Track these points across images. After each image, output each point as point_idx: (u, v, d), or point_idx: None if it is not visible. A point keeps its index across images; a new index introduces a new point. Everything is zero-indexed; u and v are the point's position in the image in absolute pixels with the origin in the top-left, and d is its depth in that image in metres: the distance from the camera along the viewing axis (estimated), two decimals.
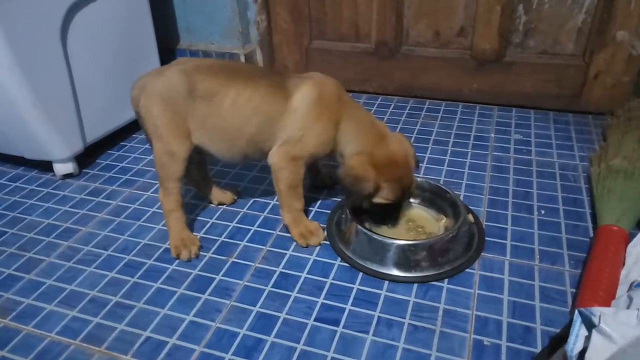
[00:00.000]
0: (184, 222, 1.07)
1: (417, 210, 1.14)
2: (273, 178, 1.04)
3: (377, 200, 1.02)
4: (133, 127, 1.58)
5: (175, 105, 0.97)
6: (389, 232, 1.06)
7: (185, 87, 0.97)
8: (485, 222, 1.11)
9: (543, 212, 1.14)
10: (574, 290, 0.92)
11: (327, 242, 1.07)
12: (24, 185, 1.34)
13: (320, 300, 0.93)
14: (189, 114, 0.99)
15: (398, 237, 0.99)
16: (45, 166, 1.38)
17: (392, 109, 1.68)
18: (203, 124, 1.00)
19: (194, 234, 1.10)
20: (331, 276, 0.98)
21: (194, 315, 0.90)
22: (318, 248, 1.06)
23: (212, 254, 1.06)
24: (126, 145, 1.52)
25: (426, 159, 1.37)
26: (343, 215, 1.09)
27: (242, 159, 1.07)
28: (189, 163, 1.04)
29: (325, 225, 1.11)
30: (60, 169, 1.34)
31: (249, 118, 0.99)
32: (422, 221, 1.11)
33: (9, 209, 1.24)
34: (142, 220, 1.17)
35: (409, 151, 1.03)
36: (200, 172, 1.17)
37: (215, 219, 1.16)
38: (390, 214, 1.08)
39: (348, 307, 0.91)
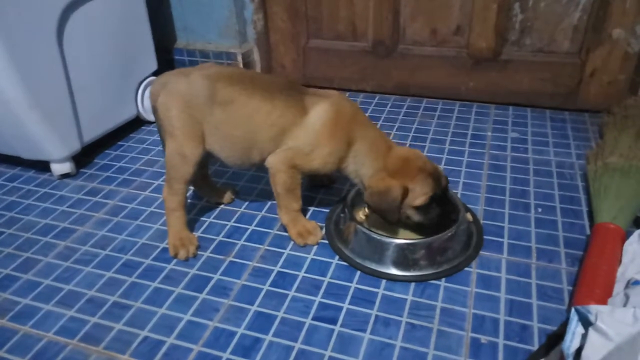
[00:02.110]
0: (184, 221, 1.07)
1: None
2: (270, 180, 1.04)
3: (418, 202, 0.97)
4: (130, 126, 1.58)
5: (194, 109, 0.98)
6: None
7: (207, 93, 0.97)
8: (483, 220, 1.11)
9: (540, 210, 1.14)
10: (570, 288, 0.93)
11: (325, 241, 1.07)
12: (21, 186, 1.34)
13: (318, 299, 0.93)
14: (205, 119, 0.99)
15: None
16: (43, 166, 1.38)
17: (390, 107, 1.68)
18: (217, 131, 1.00)
19: (192, 233, 1.10)
20: (329, 275, 0.98)
21: (191, 315, 0.90)
22: (315, 247, 1.06)
23: (210, 253, 1.06)
24: (123, 145, 1.52)
25: None
26: (342, 215, 1.09)
27: (249, 167, 1.07)
28: (199, 167, 1.04)
29: (323, 225, 1.11)
30: (58, 168, 1.34)
31: (264, 129, 0.99)
32: None
33: (6, 209, 1.24)
34: (139, 219, 1.17)
35: (416, 151, 1.03)
36: (201, 172, 1.16)
37: (212, 218, 1.16)
38: (443, 208, 1.01)
39: (345, 305, 0.91)
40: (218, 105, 0.98)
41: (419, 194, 0.97)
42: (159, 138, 1.50)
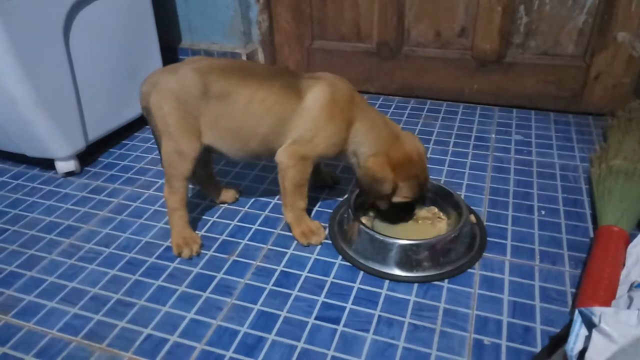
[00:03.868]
0: (186, 220, 1.07)
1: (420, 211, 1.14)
2: (279, 176, 1.04)
3: (396, 199, 1.03)
4: (135, 125, 1.58)
5: (187, 104, 0.97)
6: (406, 228, 1.10)
7: (199, 87, 0.97)
8: (486, 222, 1.11)
9: (543, 212, 1.14)
10: (574, 290, 0.93)
11: (328, 241, 1.07)
12: (25, 183, 1.34)
13: (321, 298, 0.93)
14: (201, 114, 0.99)
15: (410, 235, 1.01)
16: (47, 164, 1.38)
17: (393, 109, 1.68)
18: (216, 124, 1.00)
19: (196, 232, 1.10)
20: (332, 275, 0.99)
21: (195, 313, 0.91)
22: (319, 247, 1.06)
23: (213, 252, 1.06)
24: (128, 143, 1.53)
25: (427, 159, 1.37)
26: (345, 215, 1.09)
27: (253, 159, 1.07)
28: (197, 163, 1.04)
29: (326, 225, 1.11)
30: (62, 167, 1.34)
31: (263, 118, 0.99)
32: (426, 220, 1.11)
33: (10, 206, 1.24)
34: (143, 218, 1.18)
35: (421, 149, 1.04)
36: (205, 170, 1.17)
37: (216, 218, 1.17)
38: (405, 211, 1.10)
39: (348, 305, 0.91)
40: (214, 98, 0.98)
41: (402, 195, 1.03)
42: None
